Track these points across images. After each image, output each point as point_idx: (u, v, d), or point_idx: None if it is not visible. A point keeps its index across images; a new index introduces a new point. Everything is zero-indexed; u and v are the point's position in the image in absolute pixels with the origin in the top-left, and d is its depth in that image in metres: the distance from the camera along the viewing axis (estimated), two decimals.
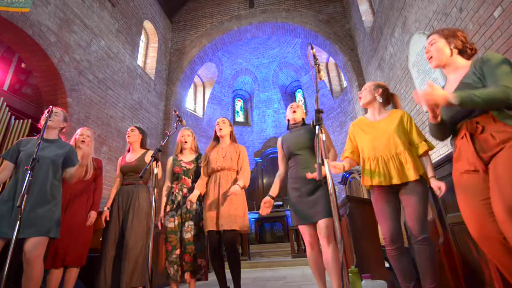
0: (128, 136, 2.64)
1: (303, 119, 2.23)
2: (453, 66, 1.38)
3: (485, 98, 1.09)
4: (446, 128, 1.38)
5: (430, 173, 1.64)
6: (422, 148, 1.66)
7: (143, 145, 2.70)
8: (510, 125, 1.12)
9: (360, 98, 1.91)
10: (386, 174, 1.66)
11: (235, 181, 2.34)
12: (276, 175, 2.20)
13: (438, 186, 1.54)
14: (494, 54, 1.22)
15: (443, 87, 1.44)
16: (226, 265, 2.23)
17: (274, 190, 2.14)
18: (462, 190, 1.26)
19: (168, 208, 2.41)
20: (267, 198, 2.09)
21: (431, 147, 1.68)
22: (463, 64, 1.35)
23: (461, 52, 1.38)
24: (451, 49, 1.37)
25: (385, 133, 1.74)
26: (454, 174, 1.31)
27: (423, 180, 1.64)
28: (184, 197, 2.42)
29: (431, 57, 1.41)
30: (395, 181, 1.63)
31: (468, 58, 1.39)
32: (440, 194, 1.53)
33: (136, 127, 2.71)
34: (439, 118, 1.32)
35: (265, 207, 2.07)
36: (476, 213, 1.18)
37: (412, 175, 1.60)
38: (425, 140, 1.68)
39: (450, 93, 1.13)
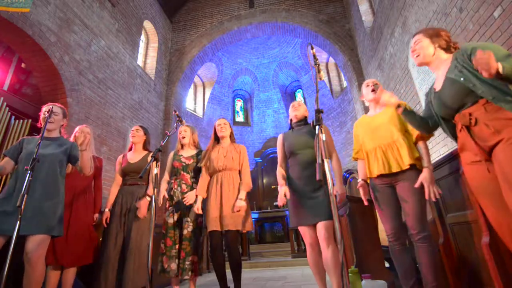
0: (133, 136, 2.61)
1: (305, 117, 2.22)
2: (436, 63, 1.44)
3: None
4: (417, 121, 1.50)
5: (424, 162, 1.64)
6: (415, 133, 1.69)
7: (145, 146, 2.68)
8: (502, 111, 1.14)
9: (373, 91, 1.91)
10: (385, 162, 1.69)
11: (237, 181, 2.35)
12: (278, 170, 2.13)
13: (421, 181, 1.57)
14: (479, 45, 1.23)
15: (433, 85, 1.48)
16: (227, 264, 2.24)
17: (282, 179, 2.06)
18: (474, 184, 1.28)
19: (168, 204, 2.41)
20: (282, 189, 1.98)
21: (421, 135, 1.68)
22: (445, 58, 1.40)
23: (445, 50, 1.43)
24: (435, 48, 1.43)
25: (383, 123, 1.79)
26: (463, 164, 1.34)
27: (420, 173, 1.64)
28: (183, 193, 2.42)
29: (417, 55, 1.47)
30: (395, 168, 1.65)
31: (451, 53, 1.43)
32: (427, 195, 1.56)
33: (141, 127, 2.69)
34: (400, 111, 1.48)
35: (282, 199, 1.97)
36: (492, 204, 1.19)
37: (406, 160, 1.62)
38: None
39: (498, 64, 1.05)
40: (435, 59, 1.43)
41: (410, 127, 1.73)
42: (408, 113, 1.54)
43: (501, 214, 1.15)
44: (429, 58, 1.44)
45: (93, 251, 2.36)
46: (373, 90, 1.90)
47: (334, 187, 1.96)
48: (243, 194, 2.28)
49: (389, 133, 1.74)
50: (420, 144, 1.70)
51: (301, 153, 2.03)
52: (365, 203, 1.83)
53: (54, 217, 1.83)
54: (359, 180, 1.88)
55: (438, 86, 1.39)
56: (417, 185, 1.58)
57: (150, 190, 2.44)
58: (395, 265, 1.73)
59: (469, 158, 1.27)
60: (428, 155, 1.67)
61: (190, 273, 2.26)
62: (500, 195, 1.14)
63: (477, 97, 1.21)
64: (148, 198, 2.40)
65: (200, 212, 2.30)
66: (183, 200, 2.36)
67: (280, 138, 2.21)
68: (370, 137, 1.82)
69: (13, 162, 1.91)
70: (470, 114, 1.22)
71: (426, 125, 1.51)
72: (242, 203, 2.23)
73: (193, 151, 2.60)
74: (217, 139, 2.53)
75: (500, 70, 1.04)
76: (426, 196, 1.57)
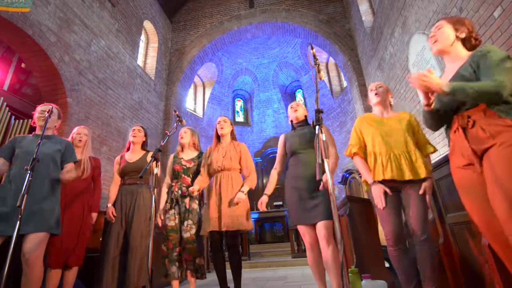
0: (134, 136, 2.62)
1: (305, 116, 2.22)
2: (453, 55, 1.37)
3: (477, 90, 1.10)
4: (439, 117, 1.40)
5: (428, 172, 1.70)
6: (429, 148, 1.76)
7: (143, 147, 2.70)
8: (500, 118, 1.13)
9: (376, 94, 1.90)
10: (399, 169, 1.68)
11: (236, 181, 2.34)
12: (272, 173, 2.19)
13: (424, 189, 1.64)
14: (494, 49, 1.21)
15: (440, 77, 1.44)
16: (227, 264, 2.24)
17: (270, 188, 2.16)
18: (461, 187, 1.28)
19: (168, 206, 2.41)
20: (264, 198, 2.14)
21: (435, 150, 1.77)
22: (463, 55, 1.34)
23: (465, 41, 1.36)
24: (456, 36, 1.35)
25: (397, 130, 1.77)
26: (451, 168, 1.34)
27: (424, 179, 1.67)
28: (183, 196, 2.41)
29: (435, 41, 1.38)
30: (407, 176, 1.65)
31: (470, 49, 1.37)
32: (428, 202, 1.65)
33: (142, 127, 2.71)
34: (432, 106, 1.34)
35: (263, 206, 2.14)
36: (478, 208, 1.19)
37: (423, 173, 1.65)
38: (429, 143, 1.79)
39: (445, 82, 1.14)
40: (453, 50, 1.36)
41: (422, 141, 1.77)
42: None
43: (488, 218, 1.15)
44: (447, 47, 1.35)
45: (83, 252, 2.34)
46: (376, 94, 1.89)
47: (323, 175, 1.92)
48: (245, 188, 2.28)
49: (403, 141, 1.73)
50: (428, 157, 1.79)
51: (302, 152, 2.03)
52: (383, 205, 1.68)
53: (52, 216, 1.83)
54: (373, 182, 1.73)
55: (446, 79, 1.36)
56: (421, 192, 1.64)
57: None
58: (395, 270, 1.72)
59: (458, 162, 1.27)
60: (431, 167, 1.76)
61: (200, 274, 2.29)
62: (487, 199, 1.14)
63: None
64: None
65: (196, 192, 2.29)
66: (184, 204, 2.34)
67: (281, 138, 2.22)
68: (382, 139, 1.76)
69: (7, 162, 1.91)
70: (469, 116, 1.22)
71: (442, 122, 1.44)
72: (242, 196, 2.21)
73: (194, 154, 2.59)
74: (218, 139, 2.53)
75: (446, 89, 1.11)
76: (428, 203, 1.65)
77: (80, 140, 2.51)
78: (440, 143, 3.61)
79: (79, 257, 2.28)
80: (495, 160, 1.10)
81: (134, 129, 2.65)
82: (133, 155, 2.60)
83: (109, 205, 2.41)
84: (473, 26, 1.38)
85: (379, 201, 1.68)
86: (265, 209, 2.15)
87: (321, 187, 1.85)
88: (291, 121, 2.24)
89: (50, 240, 2.16)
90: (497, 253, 1.18)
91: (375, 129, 1.81)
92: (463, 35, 1.35)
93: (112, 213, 2.36)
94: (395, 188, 1.71)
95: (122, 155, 2.64)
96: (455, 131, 1.29)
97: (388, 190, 1.68)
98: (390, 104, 1.94)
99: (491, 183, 1.11)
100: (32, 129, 3.83)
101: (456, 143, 1.28)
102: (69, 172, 1.98)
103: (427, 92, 1.24)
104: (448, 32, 1.35)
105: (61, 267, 2.19)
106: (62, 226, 2.21)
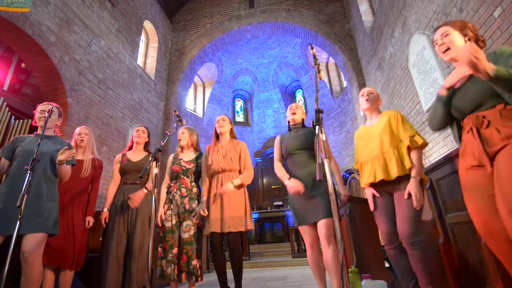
0: (138, 137, 2.63)
1: (302, 120, 2.25)
2: None
3: None
4: (447, 114, 1.36)
5: (412, 172, 1.62)
6: (406, 143, 1.67)
7: (146, 147, 2.72)
8: None
9: (367, 100, 1.90)
10: (372, 172, 1.73)
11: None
12: (277, 164, 2.15)
13: (408, 192, 1.58)
14: (507, 48, 1.20)
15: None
16: (227, 265, 2.23)
17: (286, 173, 2.04)
18: (468, 187, 1.25)
19: (166, 207, 2.39)
20: (292, 182, 1.91)
21: (417, 143, 1.65)
22: None
23: None
24: (465, 41, 1.32)
25: (375, 134, 1.80)
26: (460, 169, 1.31)
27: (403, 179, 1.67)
28: (182, 197, 2.40)
29: (448, 48, 1.34)
30: (379, 176, 1.68)
31: None
32: (414, 203, 1.57)
33: (146, 128, 2.73)
34: (448, 93, 1.31)
35: (299, 188, 1.89)
36: (481, 209, 1.17)
37: (394, 172, 1.64)
38: (413, 136, 1.67)
39: (490, 66, 1.02)
40: None
41: (401, 137, 1.70)
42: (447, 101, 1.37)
43: (487, 220, 1.14)
44: None
45: (84, 253, 2.33)
46: (367, 100, 1.91)
47: (337, 190, 2.00)
48: (236, 181, 2.25)
49: (379, 145, 1.75)
50: (412, 153, 1.67)
51: (297, 153, 2.06)
52: (372, 208, 1.81)
53: (50, 216, 1.82)
54: (365, 187, 1.87)
55: (459, 83, 1.33)
56: (405, 196, 1.60)
57: (149, 185, 2.46)
58: (394, 267, 1.73)
59: (468, 162, 1.25)
60: (419, 165, 1.64)
61: (194, 277, 2.24)
62: (493, 202, 1.12)
63: (497, 101, 1.17)
64: (145, 191, 2.41)
65: (206, 214, 2.27)
66: (183, 205, 2.33)
67: (277, 139, 2.24)
68: (365, 149, 1.85)
69: (8, 161, 1.92)
70: (483, 117, 1.19)
71: (447, 120, 1.39)
72: (230, 186, 2.19)
73: (193, 155, 2.57)
74: (217, 137, 2.52)
75: (491, 73, 0.99)
76: (414, 205, 1.57)
77: (82, 140, 2.50)
78: (440, 143, 3.61)
79: (76, 260, 2.22)
80: (502, 157, 1.09)
81: (138, 130, 2.66)
82: (135, 155, 2.60)
83: (105, 209, 2.40)
84: (476, 27, 1.38)
85: (370, 204, 1.81)
86: (303, 189, 1.89)
87: (342, 200, 2.01)
88: (288, 122, 2.26)
89: (48, 239, 2.15)
90: (496, 256, 1.16)
91: (362, 140, 1.91)
92: (472, 39, 1.33)
93: (105, 219, 2.37)
94: (387, 190, 1.75)
95: (124, 153, 2.64)
96: (468, 132, 1.25)
97: (376, 193, 1.76)
98: (379, 109, 1.96)
99: (495, 181, 1.10)
100: (32, 128, 3.84)
101: (468, 143, 1.26)
102: (66, 171, 1.98)
103: (470, 71, 1.06)
104: (458, 40, 1.33)
105: (54, 267, 2.15)
106: (60, 227, 2.20)
